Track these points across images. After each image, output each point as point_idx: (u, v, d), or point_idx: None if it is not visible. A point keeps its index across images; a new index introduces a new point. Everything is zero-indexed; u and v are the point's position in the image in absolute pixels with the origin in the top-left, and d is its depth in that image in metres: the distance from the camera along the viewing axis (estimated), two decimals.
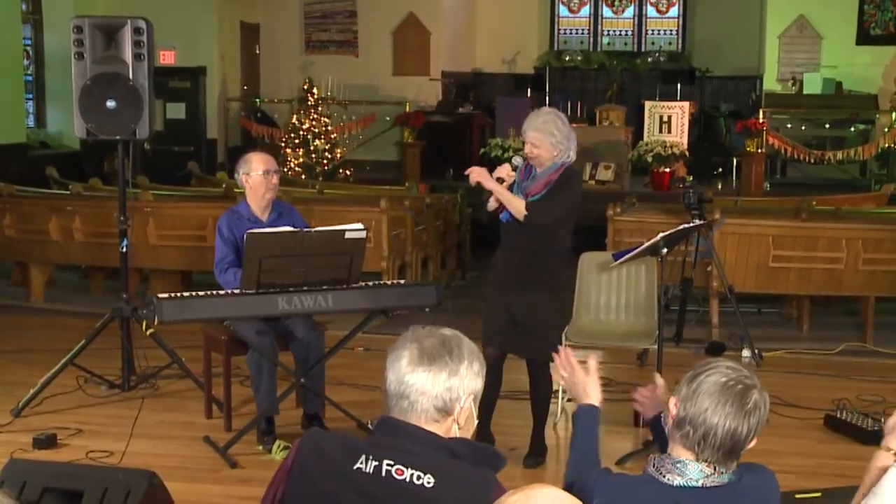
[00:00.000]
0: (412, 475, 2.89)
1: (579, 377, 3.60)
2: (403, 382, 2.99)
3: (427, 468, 2.89)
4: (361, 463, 2.94)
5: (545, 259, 6.40)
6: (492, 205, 6.40)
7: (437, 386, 2.95)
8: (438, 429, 2.99)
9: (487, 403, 6.59)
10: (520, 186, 6.38)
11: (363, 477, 2.93)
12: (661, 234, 6.99)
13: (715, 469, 2.94)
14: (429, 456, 2.92)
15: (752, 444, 2.98)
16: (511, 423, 7.00)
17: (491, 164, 17.57)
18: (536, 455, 6.64)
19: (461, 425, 3.01)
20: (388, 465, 2.92)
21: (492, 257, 6.65)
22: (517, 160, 6.43)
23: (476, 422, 3.09)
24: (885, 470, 3.16)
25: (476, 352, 3.08)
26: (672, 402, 3.01)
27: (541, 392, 6.68)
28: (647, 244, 7.09)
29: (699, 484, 2.92)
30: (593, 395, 3.59)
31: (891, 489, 3.04)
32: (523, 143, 6.42)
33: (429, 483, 2.88)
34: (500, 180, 6.33)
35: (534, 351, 6.54)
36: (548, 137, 6.25)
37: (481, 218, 6.52)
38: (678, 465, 2.95)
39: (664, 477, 2.95)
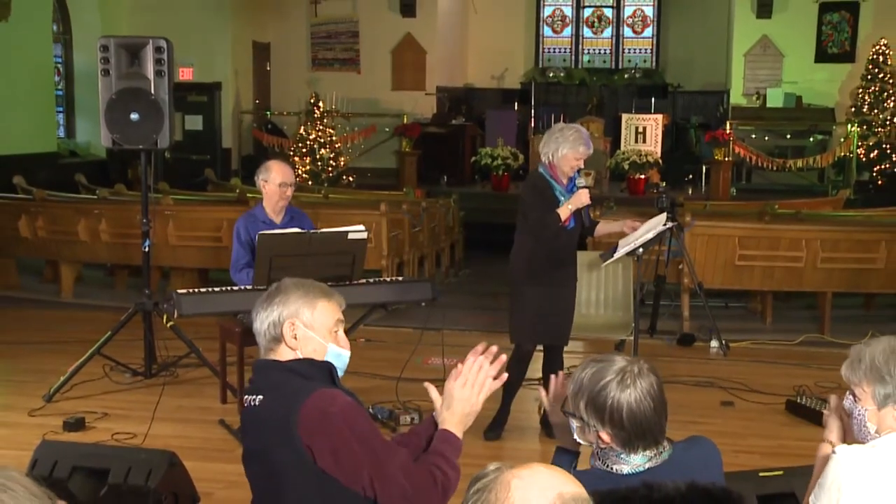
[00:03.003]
0: (250, 399, 3.24)
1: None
2: None
3: (260, 390, 3.23)
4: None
5: (571, 256, 6.65)
6: (565, 218, 6.40)
7: (262, 325, 3.28)
8: (278, 355, 3.28)
9: (514, 388, 6.68)
10: (571, 190, 6.48)
11: (241, 413, 3.40)
12: (641, 239, 7.00)
13: (655, 450, 2.91)
14: (264, 380, 3.26)
15: None
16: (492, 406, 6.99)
17: (482, 171, 17.68)
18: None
19: (293, 346, 3.27)
20: (245, 398, 3.29)
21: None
22: (581, 181, 6.54)
23: (328, 346, 3.30)
24: (827, 461, 3.15)
25: (302, 286, 3.37)
26: (604, 436, 2.88)
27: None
28: (631, 245, 7.11)
29: (645, 468, 2.88)
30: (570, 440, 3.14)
31: (835, 478, 3.03)
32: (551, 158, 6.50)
33: (258, 401, 3.21)
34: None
35: (564, 337, 6.72)
36: None
37: (546, 234, 6.40)
38: (622, 456, 2.89)
39: (612, 468, 2.90)
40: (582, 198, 6.38)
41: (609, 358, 2.95)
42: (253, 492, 3.34)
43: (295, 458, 3.07)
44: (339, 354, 3.32)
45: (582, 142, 6.38)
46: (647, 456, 2.89)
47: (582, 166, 6.47)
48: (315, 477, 3.08)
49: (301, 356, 3.25)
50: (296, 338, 3.25)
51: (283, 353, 3.27)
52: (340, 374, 3.33)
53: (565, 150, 6.36)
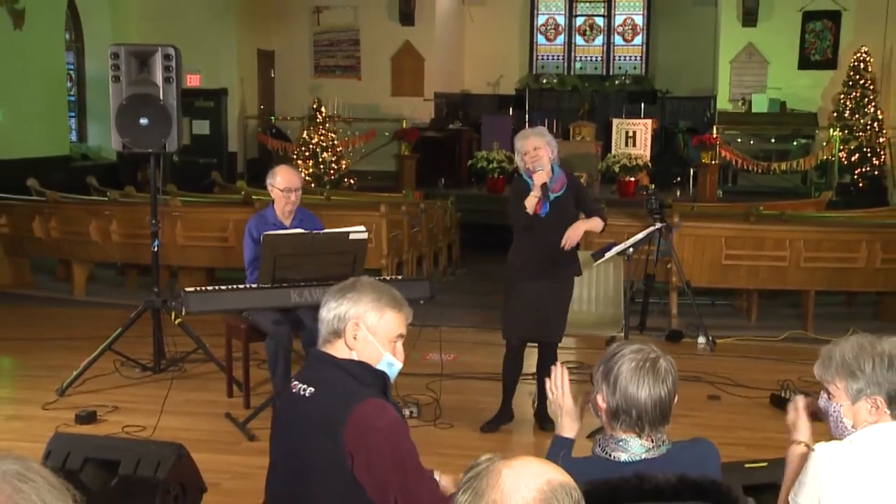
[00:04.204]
0: (300, 388, 3.18)
1: (566, 404, 3.34)
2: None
3: (311, 381, 3.17)
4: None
5: (566, 250, 6.56)
6: (530, 207, 6.47)
7: (328, 314, 3.22)
8: (333, 349, 3.23)
9: (509, 384, 6.70)
10: (547, 188, 6.50)
11: (285, 396, 3.30)
12: (632, 240, 7.02)
13: (654, 442, 2.94)
14: (316, 372, 3.22)
15: (675, 400, 2.99)
16: (486, 399, 6.98)
17: (478, 174, 17.70)
18: (548, 420, 6.74)
19: (351, 346, 3.21)
20: (293, 383, 3.24)
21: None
22: (540, 166, 6.52)
23: (384, 355, 3.24)
24: (804, 459, 3.16)
25: (377, 290, 3.27)
26: (599, 399, 2.98)
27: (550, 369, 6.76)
28: (621, 246, 7.14)
29: (642, 457, 2.92)
30: (568, 427, 3.33)
31: (815, 475, 3.04)
32: (506, 154, 6.60)
33: (309, 393, 3.14)
34: (545, 185, 6.48)
35: (552, 334, 6.69)
36: (545, 139, 6.52)
37: (517, 224, 6.56)
38: (621, 443, 2.93)
39: (610, 455, 2.94)
40: (536, 181, 6.46)
41: (645, 344, 3.03)
42: (275, 476, 3.30)
43: (333, 457, 3.03)
44: (391, 364, 3.26)
45: (521, 137, 6.62)
46: (645, 446, 2.93)
47: (539, 156, 6.46)
48: (347, 481, 3.04)
49: (356, 358, 3.20)
50: (356, 338, 3.19)
51: (339, 350, 3.22)
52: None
53: (517, 147, 6.59)
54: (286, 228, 6.78)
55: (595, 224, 6.66)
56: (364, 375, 3.17)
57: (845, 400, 3.14)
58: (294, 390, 3.19)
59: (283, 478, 3.25)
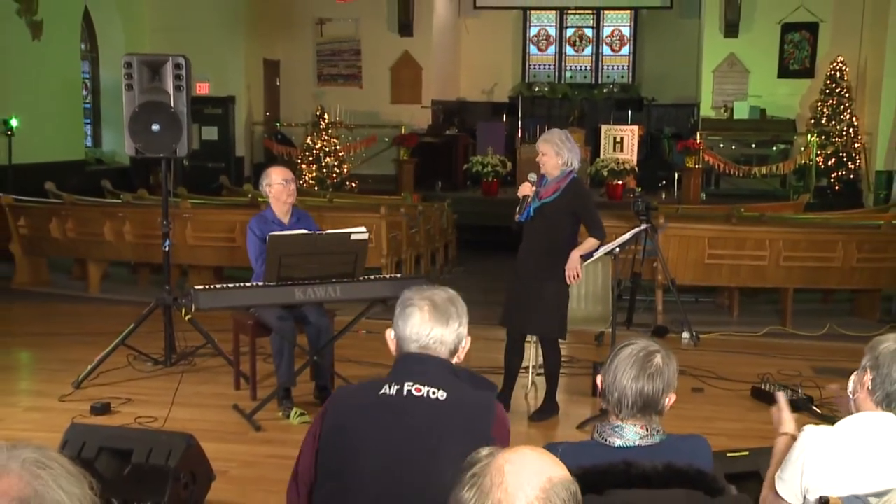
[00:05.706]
0: (428, 391, 2.98)
1: None
2: (423, 336, 3.08)
3: (439, 385, 2.99)
4: (385, 389, 3.00)
5: (553, 252, 6.55)
6: (518, 213, 6.61)
7: (450, 336, 3.09)
8: None
9: (510, 375, 6.74)
10: (537, 193, 6.55)
11: (388, 399, 2.99)
12: (619, 240, 7.02)
13: (648, 430, 2.94)
14: (440, 377, 3.02)
15: (670, 400, 2.99)
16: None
17: (473, 178, 17.68)
18: (542, 412, 6.79)
19: (460, 360, 3.16)
20: (408, 385, 2.99)
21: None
22: (532, 176, 6.63)
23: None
24: (788, 447, 3.18)
25: (463, 303, 3.22)
26: (599, 378, 3.03)
27: (550, 363, 6.80)
28: (610, 245, 7.15)
29: (636, 444, 2.92)
30: None
31: (800, 453, 3.06)
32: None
33: (442, 396, 2.97)
34: (525, 197, 6.57)
35: (541, 330, 6.71)
36: (552, 147, 6.50)
37: (511, 227, 6.70)
38: (616, 429, 2.95)
39: (606, 440, 2.95)
40: (522, 189, 6.62)
41: (659, 345, 3.07)
42: (386, 482, 2.95)
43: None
44: None
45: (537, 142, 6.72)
46: (640, 434, 2.94)
47: (543, 162, 6.56)
48: None
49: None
50: (463, 352, 3.19)
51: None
52: None
53: None
54: (285, 226, 6.81)
55: (588, 245, 6.60)
56: (473, 382, 3.13)
57: (861, 388, 3.17)
58: (418, 394, 2.98)
59: (408, 478, 2.95)
